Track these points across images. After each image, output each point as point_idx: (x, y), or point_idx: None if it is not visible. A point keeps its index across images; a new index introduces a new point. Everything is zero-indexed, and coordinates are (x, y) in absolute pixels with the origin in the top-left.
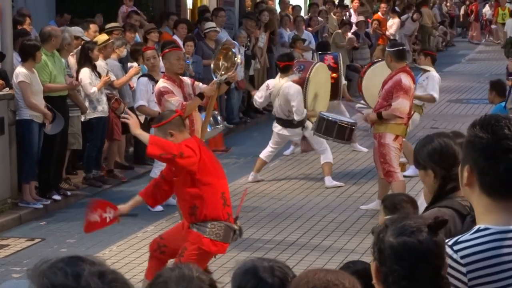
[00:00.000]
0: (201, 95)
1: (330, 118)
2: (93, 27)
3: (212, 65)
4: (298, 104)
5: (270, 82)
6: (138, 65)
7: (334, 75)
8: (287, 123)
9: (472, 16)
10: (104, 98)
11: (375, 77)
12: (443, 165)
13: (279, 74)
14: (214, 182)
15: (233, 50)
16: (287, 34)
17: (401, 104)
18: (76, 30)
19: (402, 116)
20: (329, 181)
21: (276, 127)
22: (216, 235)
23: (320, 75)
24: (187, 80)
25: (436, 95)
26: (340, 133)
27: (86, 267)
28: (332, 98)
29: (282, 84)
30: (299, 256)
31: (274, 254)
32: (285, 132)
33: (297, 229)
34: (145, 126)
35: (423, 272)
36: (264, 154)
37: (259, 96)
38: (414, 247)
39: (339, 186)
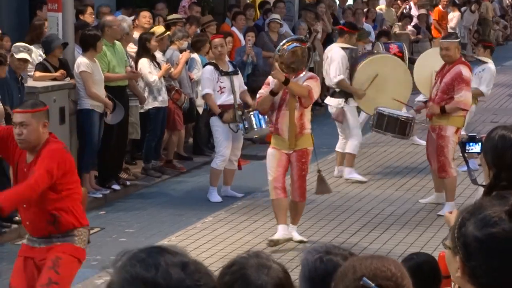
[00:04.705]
0: (272, 92)
1: (391, 114)
2: (144, 13)
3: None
4: (334, 67)
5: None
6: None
7: None
8: (332, 92)
9: None
10: (164, 89)
11: (426, 62)
12: (497, 164)
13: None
14: (76, 185)
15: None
16: None
17: (465, 96)
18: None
19: (467, 108)
20: (349, 172)
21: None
22: (83, 243)
23: (390, 68)
24: (303, 75)
25: (484, 89)
26: (402, 128)
27: (167, 258)
28: None
29: (331, 49)
30: (359, 248)
31: None
32: (330, 102)
33: (356, 222)
34: (205, 116)
35: None
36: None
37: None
38: (501, 237)
39: (361, 182)
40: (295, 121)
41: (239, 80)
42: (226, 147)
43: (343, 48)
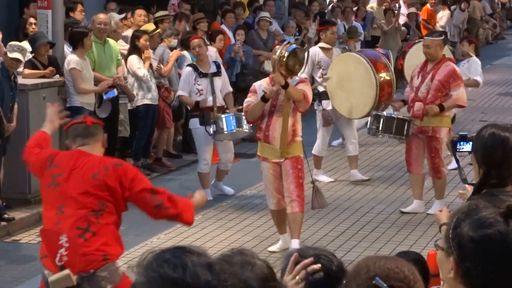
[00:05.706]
0: (264, 98)
1: (400, 117)
2: (139, 11)
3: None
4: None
5: None
6: (181, 50)
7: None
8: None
9: None
10: (153, 86)
11: (419, 57)
12: (487, 162)
13: None
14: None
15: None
16: (337, 24)
17: (463, 93)
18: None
19: (464, 105)
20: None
21: None
22: None
23: (352, 66)
24: (293, 79)
25: (480, 79)
26: (408, 130)
27: (193, 258)
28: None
29: None
30: (348, 246)
31: (322, 244)
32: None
33: (345, 220)
34: (187, 116)
35: (509, 262)
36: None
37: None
38: (496, 238)
39: (365, 180)
40: (288, 127)
41: (222, 81)
42: (205, 151)
43: (321, 48)
